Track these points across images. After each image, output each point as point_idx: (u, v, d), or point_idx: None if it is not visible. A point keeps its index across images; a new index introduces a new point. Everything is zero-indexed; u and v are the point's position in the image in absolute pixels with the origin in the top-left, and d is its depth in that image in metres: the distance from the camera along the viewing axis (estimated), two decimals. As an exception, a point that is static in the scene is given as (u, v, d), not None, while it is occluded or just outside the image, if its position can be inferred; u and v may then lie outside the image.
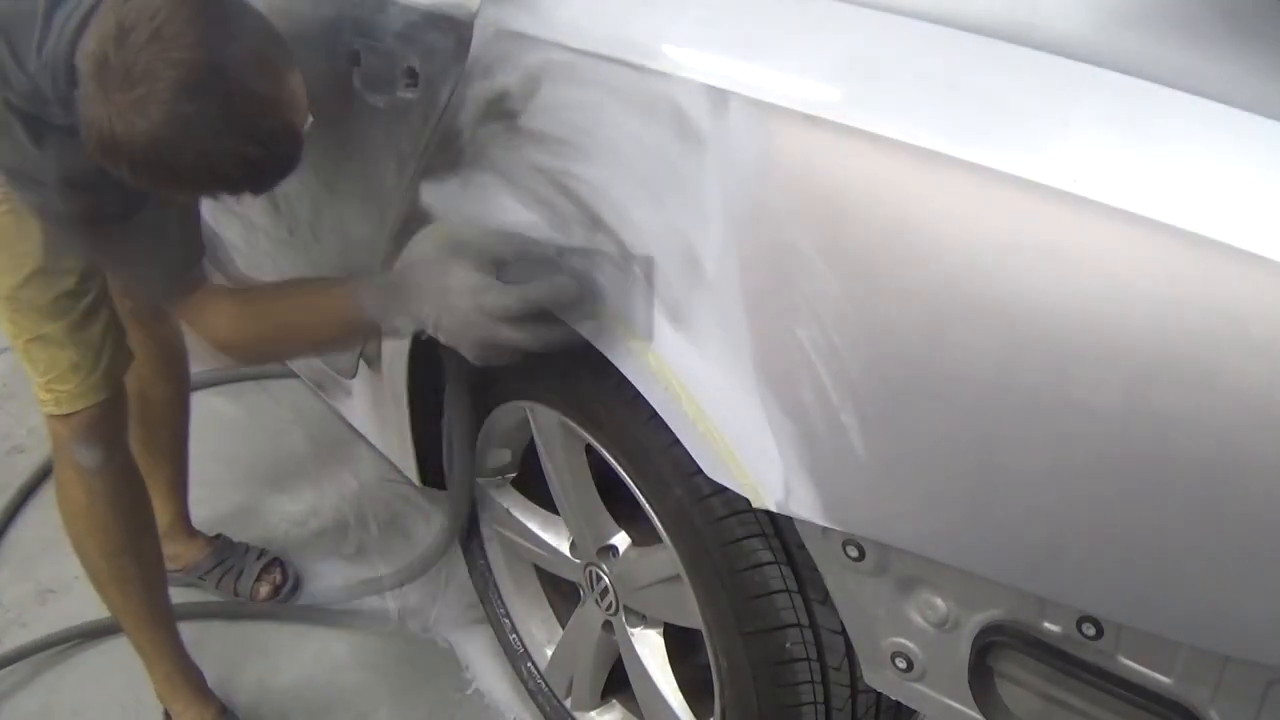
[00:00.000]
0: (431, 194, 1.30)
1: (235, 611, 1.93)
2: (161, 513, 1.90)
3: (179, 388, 1.88)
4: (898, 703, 1.08)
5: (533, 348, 1.11)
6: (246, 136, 1.04)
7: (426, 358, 1.48)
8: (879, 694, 1.09)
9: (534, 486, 1.48)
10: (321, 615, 1.91)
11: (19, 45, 1.12)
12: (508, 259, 1.12)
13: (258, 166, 1.07)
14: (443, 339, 1.15)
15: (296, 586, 1.98)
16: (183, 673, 1.68)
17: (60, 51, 1.09)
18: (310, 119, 1.12)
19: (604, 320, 1.09)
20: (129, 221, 1.22)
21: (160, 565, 1.63)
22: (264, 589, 1.94)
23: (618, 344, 1.08)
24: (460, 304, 1.10)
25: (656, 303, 1.03)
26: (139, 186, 1.08)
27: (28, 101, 1.15)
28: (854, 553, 0.99)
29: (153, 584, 1.62)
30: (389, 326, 1.21)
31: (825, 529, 0.98)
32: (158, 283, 1.30)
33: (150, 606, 1.63)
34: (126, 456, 1.53)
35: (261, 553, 1.99)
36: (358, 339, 1.40)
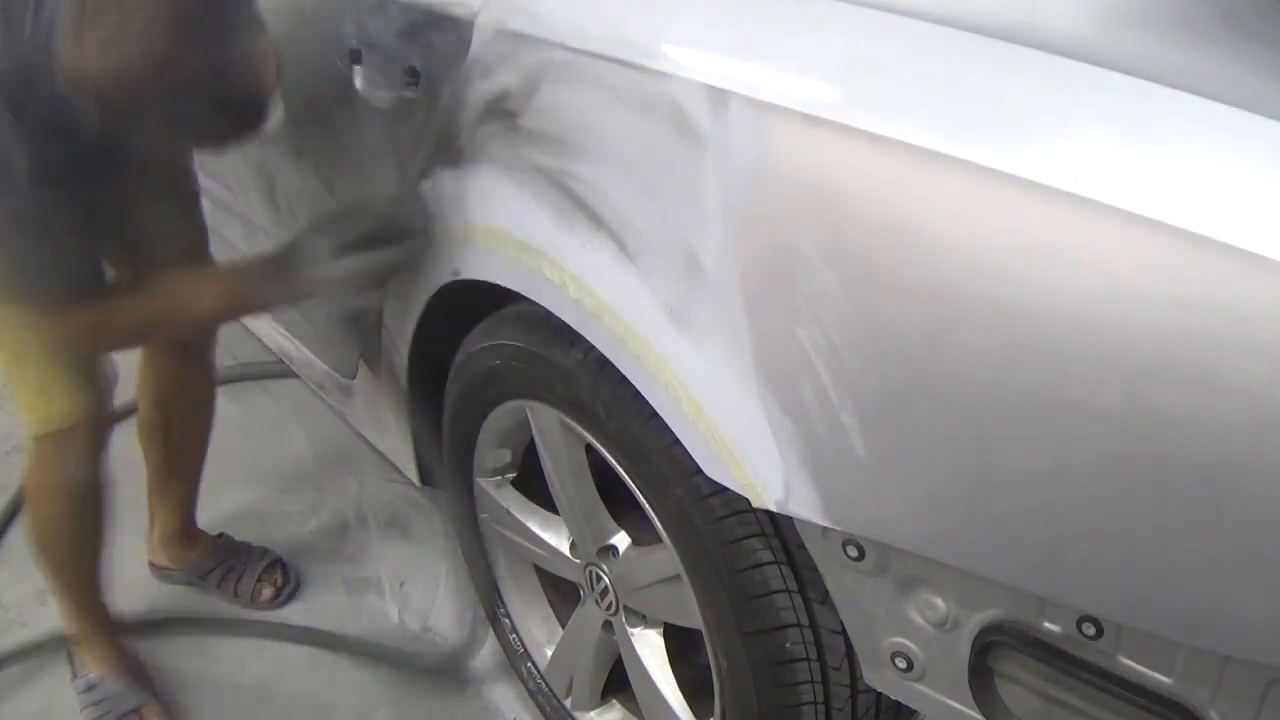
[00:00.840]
0: (431, 194, 1.30)
1: (235, 629, 1.92)
2: (170, 519, 1.92)
3: (205, 403, 1.88)
4: (898, 703, 1.08)
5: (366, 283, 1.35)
6: (212, 72, 1.09)
7: (426, 358, 1.49)
8: (879, 694, 1.09)
9: (534, 486, 1.48)
10: (328, 638, 1.89)
11: (12, 12, 1.14)
12: (359, 236, 1.30)
13: (220, 107, 1.12)
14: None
15: (297, 588, 1.98)
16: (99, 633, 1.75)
17: (56, 17, 1.11)
18: (281, 106, 1.23)
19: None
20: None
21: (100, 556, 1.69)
22: (265, 591, 1.94)
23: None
24: (322, 277, 1.30)
25: (647, 289, 1.04)
26: (107, 124, 1.12)
27: (12, 74, 1.16)
28: (854, 553, 0.99)
29: (98, 585, 1.71)
30: (281, 303, 1.44)
31: (825, 529, 0.98)
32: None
33: (93, 599, 1.72)
34: (101, 473, 1.56)
35: (264, 554, 1.99)
36: (244, 314, 1.51)
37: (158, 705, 1.72)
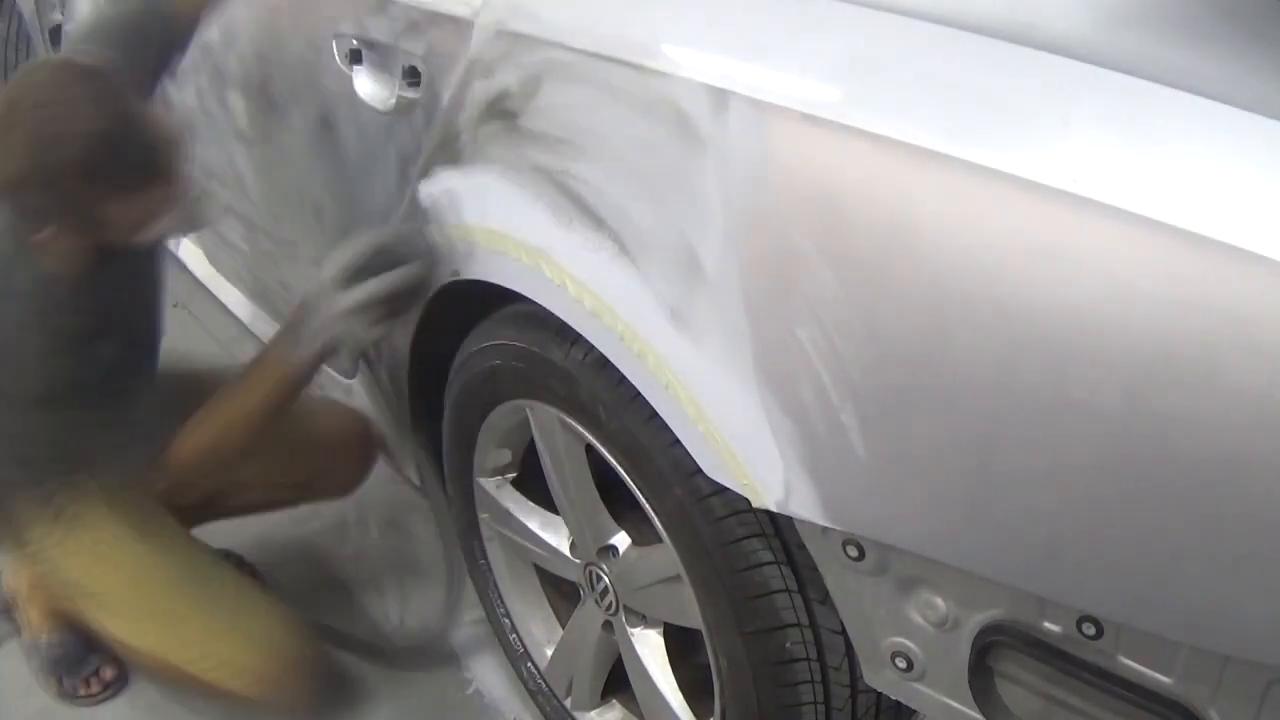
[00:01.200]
0: (432, 194, 1.30)
1: None
2: None
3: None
4: (898, 703, 1.08)
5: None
6: (106, 117, 1.16)
7: (426, 359, 1.49)
8: (879, 694, 1.09)
9: (534, 486, 1.48)
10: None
11: None
12: (362, 263, 1.30)
13: (121, 143, 1.17)
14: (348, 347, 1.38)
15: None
16: None
17: None
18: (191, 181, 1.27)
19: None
20: (104, 390, 1.30)
21: None
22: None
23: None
24: (334, 314, 1.31)
25: (649, 292, 1.04)
26: (48, 209, 1.19)
27: None
28: (854, 553, 0.99)
29: None
30: (317, 357, 1.35)
31: (825, 529, 0.98)
32: (137, 453, 1.38)
33: None
34: None
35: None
36: (302, 384, 1.43)
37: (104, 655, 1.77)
